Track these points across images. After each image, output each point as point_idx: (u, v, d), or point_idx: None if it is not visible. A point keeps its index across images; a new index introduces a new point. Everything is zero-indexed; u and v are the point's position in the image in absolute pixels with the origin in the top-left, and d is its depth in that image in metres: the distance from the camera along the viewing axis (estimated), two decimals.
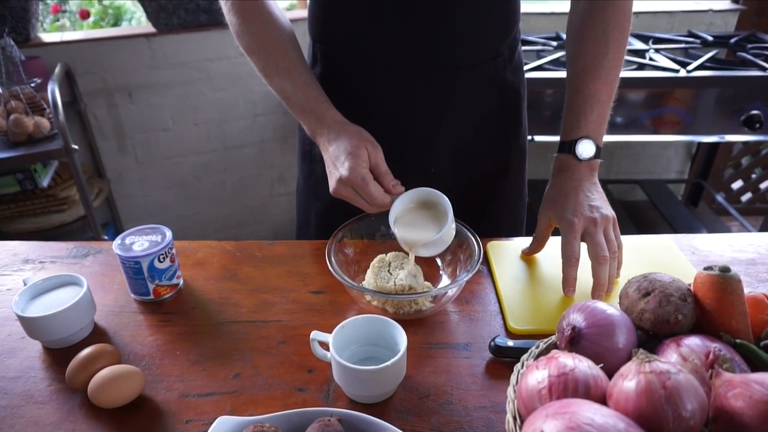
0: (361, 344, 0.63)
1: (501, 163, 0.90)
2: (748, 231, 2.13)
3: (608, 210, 0.73)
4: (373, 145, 0.68)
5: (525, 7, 2.15)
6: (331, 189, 0.69)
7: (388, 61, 0.78)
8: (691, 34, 2.08)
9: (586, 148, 0.75)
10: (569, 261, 0.70)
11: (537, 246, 0.79)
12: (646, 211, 2.38)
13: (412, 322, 0.69)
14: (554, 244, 0.84)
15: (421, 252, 0.70)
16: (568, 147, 0.76)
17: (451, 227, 0.69)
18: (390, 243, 0.80)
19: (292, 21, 0.80)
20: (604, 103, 0.76)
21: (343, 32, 0.80)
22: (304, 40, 0.84)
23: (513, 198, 0.95)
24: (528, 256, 0.81)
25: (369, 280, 0.72)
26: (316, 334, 0.61)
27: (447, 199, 0.70)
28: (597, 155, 0.76)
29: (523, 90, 0.89)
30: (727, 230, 2.27)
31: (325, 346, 0.61)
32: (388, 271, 0.73)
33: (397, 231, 0.69)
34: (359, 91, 0.80)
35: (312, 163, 0.91)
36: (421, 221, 0.70)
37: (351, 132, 0.69)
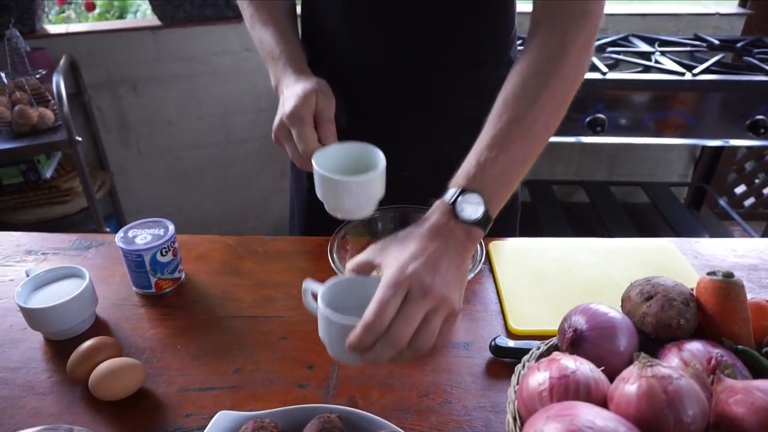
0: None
1: None
2: (751, 236, 2.13)
3: (456, 296, 0.50)
4: (326, 96, 0.66)
5: (523, 7, 2.14)
6: (273, 130, 0.67)
7: (360, 62, 0.78)
8: (697, 38, 2.07)
9: (470, 205, 0.53)
10: (369, 326, 0.46)
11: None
12: (648, 213, 2.37)
13: None
14: (557, 244, 0.84)
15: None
16: (450, 195, 0.54)
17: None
18: None
19: None
20: (513, 160, 0.57)
21: (319, 32, 0.80)
22: None
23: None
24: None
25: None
26: (308, 284, 0.55)
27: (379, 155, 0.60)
28: (484, 224, 0.53)
29: None
30: (730, 235, 2.27)
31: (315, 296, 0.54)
32: None
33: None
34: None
35: (299, 178, 0.91)
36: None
37: (309, 80, 0.67)
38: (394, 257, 0.50)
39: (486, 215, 0.53)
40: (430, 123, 0.81)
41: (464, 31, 0.76)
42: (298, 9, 0.83)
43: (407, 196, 0.78)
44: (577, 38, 0.59)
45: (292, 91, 0.66)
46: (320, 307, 0.49)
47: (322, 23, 0.81)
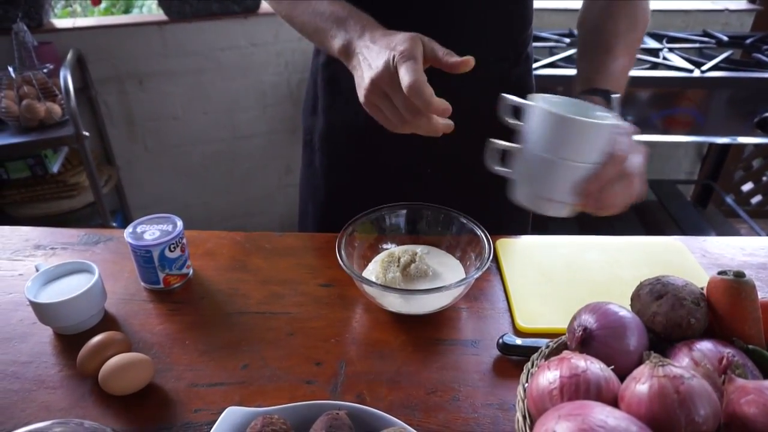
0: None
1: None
2: (758, 234, 2.11)
3: None
4: (431, 41, 0.57)
5: (538, 3, 2.13)
6: (363, 91, 0.57)
7: None
8: (706, 34, 2.06)
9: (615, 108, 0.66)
10: (620, 160, 0.54)
11: None
12: (654, 211, 2.36)
13: (419, 317, 0.69)
14: (564, 241, 0.83)
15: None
16: (602, 94, 0.67)
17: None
18: (400, 238, 0.80)
19: None
20: (626, 72, 0.72)
21: None
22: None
23: None
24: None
25: (378, 274, 0.72)
26: (495, 144, 0.59)
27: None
28: None
29: (532, 92, 0.88)
30: (736, 233, 2.26)
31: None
32: (397, 266, 0.73)
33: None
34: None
35: (312, 152, 0.90)
36: None
37: (402, 31, 0.58)
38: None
39: None
40: (451, 120, 0.81)
41: (487, 28, 0.76)
42: None
43: (427, 194, 0.78)
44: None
45: (389, 39, 0.56)
46: (543, 152, 0.52)
47: None
